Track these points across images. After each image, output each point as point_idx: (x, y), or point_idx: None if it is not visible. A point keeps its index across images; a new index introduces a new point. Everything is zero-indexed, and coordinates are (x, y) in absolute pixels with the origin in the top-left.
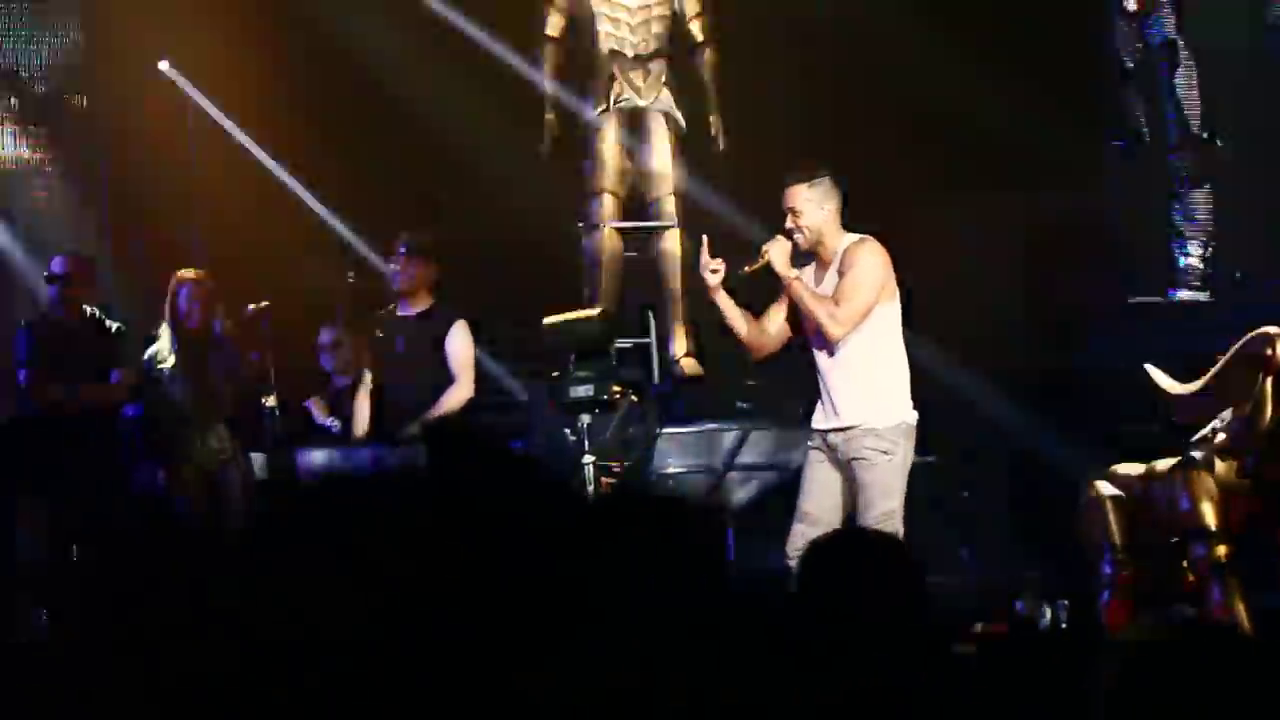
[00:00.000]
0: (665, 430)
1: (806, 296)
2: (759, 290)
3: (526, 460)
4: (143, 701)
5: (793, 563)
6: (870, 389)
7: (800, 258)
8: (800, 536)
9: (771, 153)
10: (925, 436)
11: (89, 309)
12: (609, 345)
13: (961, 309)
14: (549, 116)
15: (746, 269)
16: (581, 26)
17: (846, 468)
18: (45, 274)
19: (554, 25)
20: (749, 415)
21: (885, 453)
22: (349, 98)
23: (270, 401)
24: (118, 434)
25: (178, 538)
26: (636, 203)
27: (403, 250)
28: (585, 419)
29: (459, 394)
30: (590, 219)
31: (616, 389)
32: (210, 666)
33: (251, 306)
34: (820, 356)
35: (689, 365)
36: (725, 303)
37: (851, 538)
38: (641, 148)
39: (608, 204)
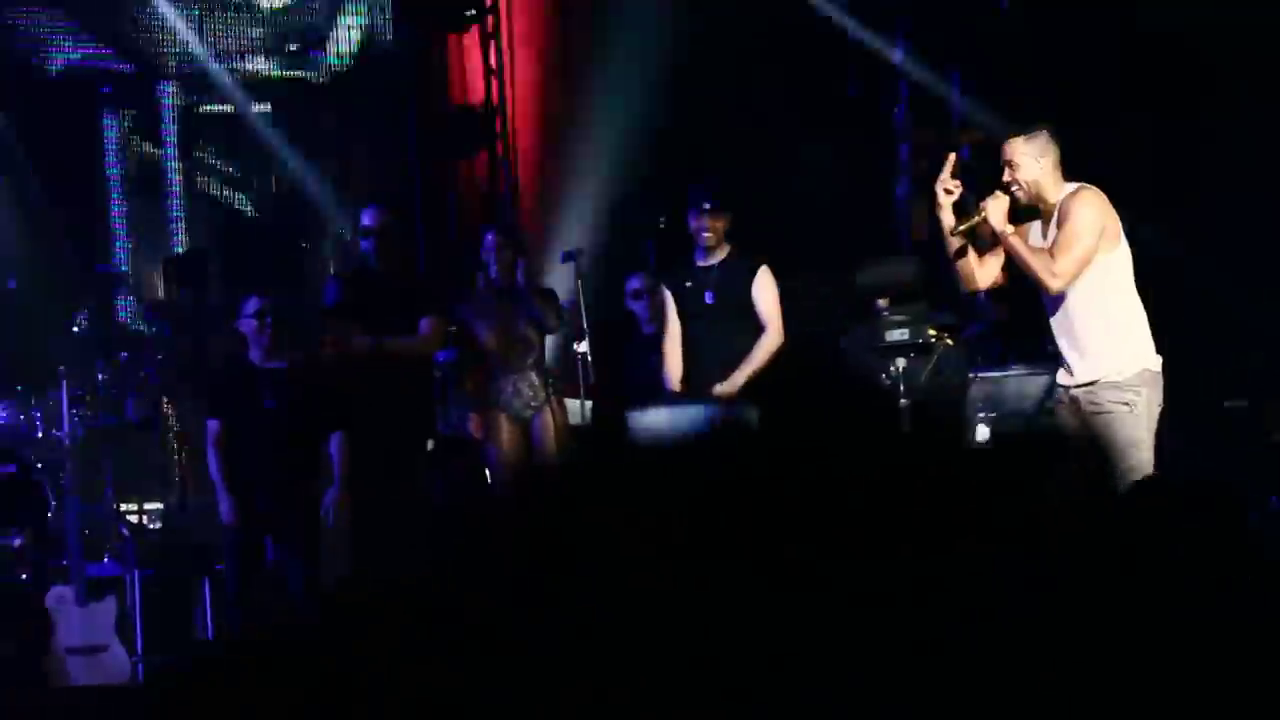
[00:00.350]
0: (977, 374)
1: (1024, 252)
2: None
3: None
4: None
5: None
6: (1103, 341)
7: (1026, 214)
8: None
9: (1068, 105)
10: (1236, 379)
11: (400, 260)
12: (923, 289)
13: (1267, 245)
14: None
15: (963, 225)
16: None
17: (1090, 422)
18: (358, 227)
19: None
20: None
21: (1126, 404)
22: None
23: (582, 348)
24: (429, 381)
25: (486, 482)
26: None
27: (706, 206)
28: (901, 362)
29: (772, 340)
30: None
31: (932, 332)
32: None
33: (563, 253)
34: (1051, 313)
35: (1001, 310)
36: (948, 223)
37: (1172, 484)
38: None
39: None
